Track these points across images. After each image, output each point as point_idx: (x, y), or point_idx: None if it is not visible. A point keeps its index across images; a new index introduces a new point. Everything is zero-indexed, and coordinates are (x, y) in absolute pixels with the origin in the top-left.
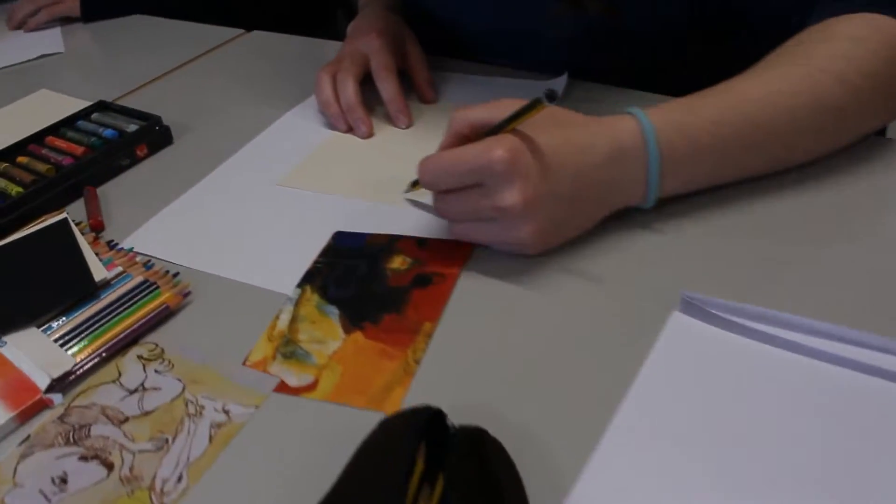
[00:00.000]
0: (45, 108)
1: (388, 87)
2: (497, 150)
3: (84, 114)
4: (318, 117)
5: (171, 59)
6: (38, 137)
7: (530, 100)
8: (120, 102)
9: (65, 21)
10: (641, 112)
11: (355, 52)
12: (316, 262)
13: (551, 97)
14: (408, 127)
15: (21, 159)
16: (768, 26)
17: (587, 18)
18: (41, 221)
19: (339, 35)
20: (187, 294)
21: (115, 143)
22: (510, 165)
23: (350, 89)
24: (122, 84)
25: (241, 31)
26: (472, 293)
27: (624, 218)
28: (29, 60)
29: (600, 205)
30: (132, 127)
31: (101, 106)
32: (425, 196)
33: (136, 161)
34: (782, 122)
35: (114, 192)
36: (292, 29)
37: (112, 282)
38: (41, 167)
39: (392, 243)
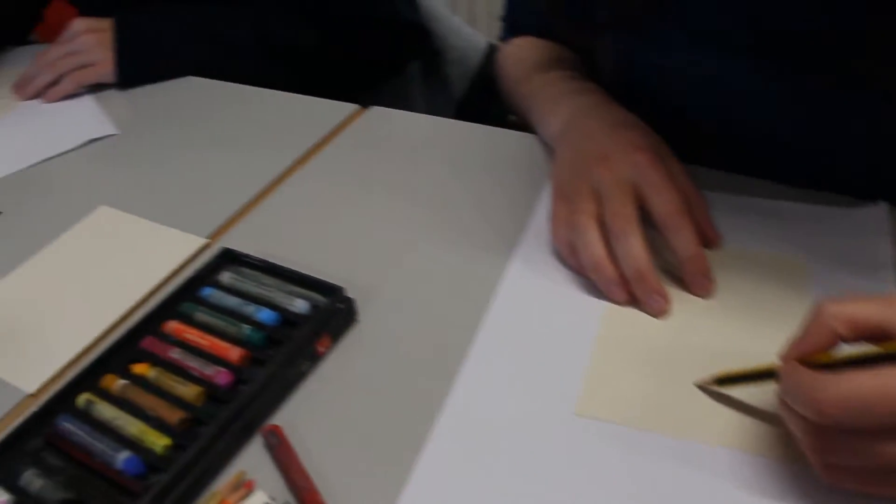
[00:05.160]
0: (115, 239)
1: (685, 240)
2: None
3: (207, 272)
4: (558, 269)
5: (274, 151)
6: (150, 323)
7: None
8: (230, 235)
9: (94, 89)
10: None
11: (621, 182)
12: None
13: None
14: (709, 296)
15: (138, 369)
16: None
17: None
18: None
19: (408, 91)
20: None
21: (289, 341)
22: None
23: (637, 248)
24: (215, 196)
25: (356, 107)
26: None
27: None
28: (72, 149)
29: None
30: (298, 303)
31: (228, 257)
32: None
33: (315, 362)
34: None
35: (305, 428)
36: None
37: None
38: (181, 388)
39: None
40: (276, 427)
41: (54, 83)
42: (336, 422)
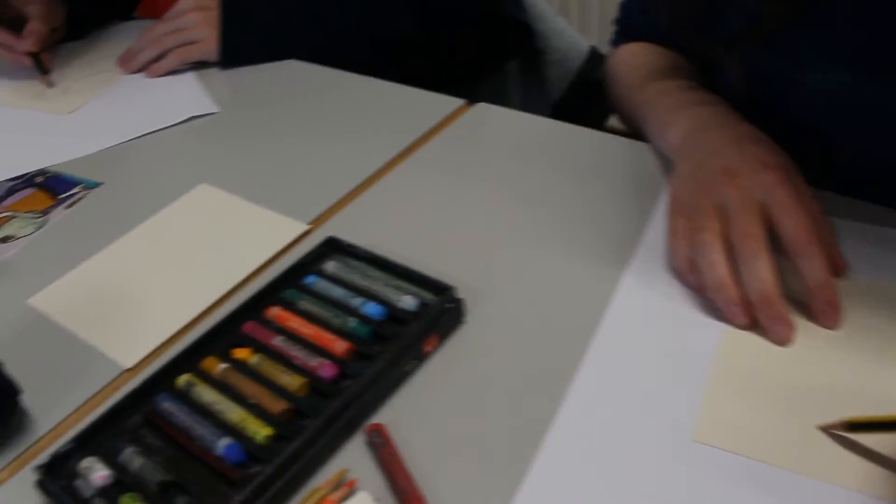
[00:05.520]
0: (215, 218)
1: (815, 266)
2: None
3: (312, 260)
4: (674, 286)
5: (378, 141)
6: (253, 308)
7: None
8: (331, 223)
9: (196, 66)
10: None
11: (749, 201)
12: None
13: None
14: (836, 328)
15: (240, 354)
16: None
17: None
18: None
19: (505, 89)
20: None
21: (397, 337)
22: None
23: (766, 271)
24: (316, 182)
25: (462, 101)
26: None
27: None
28: (174, 125)
29: None
30: (406, 300)
31: (333, 246)
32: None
33: (421, 361)
34: None
35: (408, 429)
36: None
37: None
38: (284, 377)
39: None
40: (380, 426)
41: (158, 59)
42: (440, 425)
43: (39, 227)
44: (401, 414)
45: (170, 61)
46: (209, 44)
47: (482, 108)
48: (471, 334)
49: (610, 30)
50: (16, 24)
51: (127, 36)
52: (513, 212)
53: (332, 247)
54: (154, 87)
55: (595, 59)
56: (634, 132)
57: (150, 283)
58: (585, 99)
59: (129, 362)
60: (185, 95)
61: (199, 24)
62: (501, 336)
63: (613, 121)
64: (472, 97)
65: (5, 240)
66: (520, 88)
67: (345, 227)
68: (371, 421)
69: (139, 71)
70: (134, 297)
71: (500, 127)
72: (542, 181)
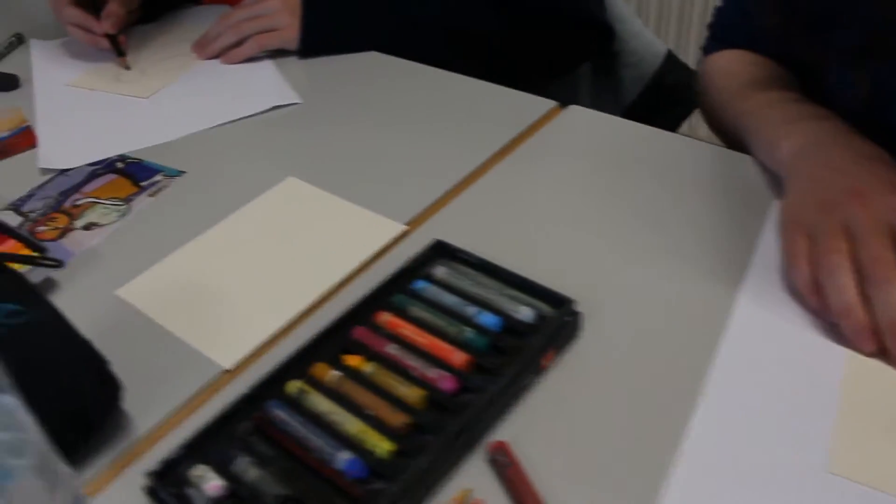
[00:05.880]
0: (306, 214)
1: None
2: None
3: (419, 264)
4: (792, 308)
5: (470, 141)
6: (361, 312)
7: None
8: (429, 225)
9: (272, 55)
10: None
11: (880, 224)
12: None
13: None
14: None
15: (351, 361)
16: None
17: None
18: None
19: (576, 89)
20: None
21: (517, 350)
22: None
23: None
24: (410, 181)
25: (554, 103)
26: None
27: None
28: (256, 114)
29: None
30: (523, 311)
31: (440, 250)
32: None
33: (538, 376)
34: None
35: (527, 447)
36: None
37: None
38: (402, 389)
39: None
40: (504, 444)
41: (236, 45)
42: (560, 443)
43: (123, 216)
44: (519, 431)
45: (248, 48)
46: (290, 32)
47: (575, 110)
48: (587, 349)
49: (664, 28)
50: (94, 6)
51: (198, 20)
52: (615, 220)
53: (440, 251)
54: (232, 74)
55: (671, 63)
56: (729, 142)
57: (242, 278)
58: (659, 104)
59: (229, 363)
60: (265, 84)
61: (281, 11)
62: (617, 353)
63: (685, 128)
64: (544, 96)
65: (88, 227)
66: (590, 90)
67: (444, 230)
68: (489, 437)
69: (216, 57)
70: (226, 292)
71: (596, 131)
72: (642, 189)
